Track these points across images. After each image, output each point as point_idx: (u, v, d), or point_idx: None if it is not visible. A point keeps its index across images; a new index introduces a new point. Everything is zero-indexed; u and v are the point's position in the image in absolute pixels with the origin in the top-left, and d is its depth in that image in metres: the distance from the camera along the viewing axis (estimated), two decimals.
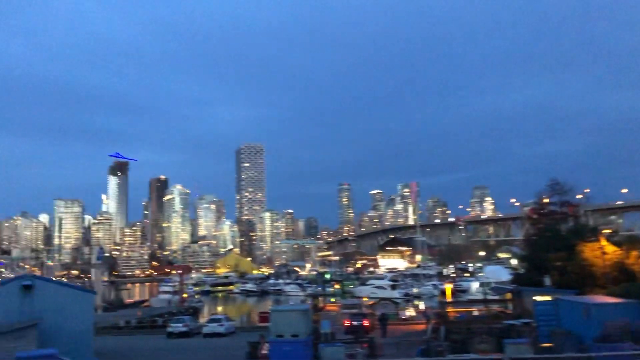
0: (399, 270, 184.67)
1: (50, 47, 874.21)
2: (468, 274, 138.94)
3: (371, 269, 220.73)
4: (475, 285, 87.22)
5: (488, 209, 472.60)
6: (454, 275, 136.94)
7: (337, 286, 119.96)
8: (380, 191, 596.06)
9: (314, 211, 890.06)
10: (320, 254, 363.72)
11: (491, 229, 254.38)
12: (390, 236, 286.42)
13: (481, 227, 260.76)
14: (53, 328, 30.82)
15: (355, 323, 46.11)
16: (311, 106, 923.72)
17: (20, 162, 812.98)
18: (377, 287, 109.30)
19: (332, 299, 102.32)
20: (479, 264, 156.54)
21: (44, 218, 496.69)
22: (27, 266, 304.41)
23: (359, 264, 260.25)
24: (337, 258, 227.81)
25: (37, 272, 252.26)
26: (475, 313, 46.99)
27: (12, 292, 32.43)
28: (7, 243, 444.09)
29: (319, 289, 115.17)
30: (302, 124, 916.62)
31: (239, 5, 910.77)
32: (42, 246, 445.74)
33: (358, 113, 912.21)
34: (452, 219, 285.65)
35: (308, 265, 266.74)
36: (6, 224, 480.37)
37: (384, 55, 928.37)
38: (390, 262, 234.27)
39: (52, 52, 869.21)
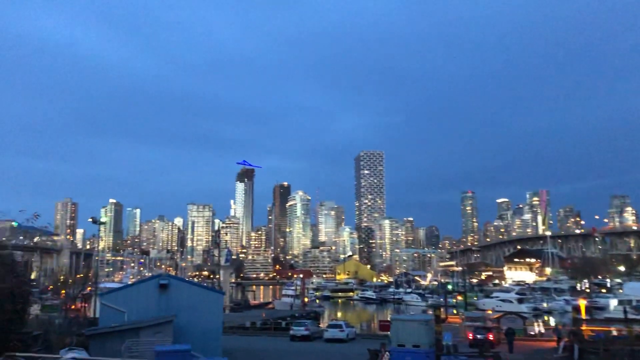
0: (526, 283, 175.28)
1: (184, 64, 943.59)
2: (605, 290, 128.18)
3: (496, 281, 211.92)
4: (614, 303, 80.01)
5: (628, 220, 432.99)
6: (589, 290, 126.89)
7: (459, 297, 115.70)
8: (507, 200, 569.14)
9: (436, 220, 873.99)
10: (442, 263, 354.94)
11: (632, 242, 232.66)
12: (518, 247, 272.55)
13: (621, 240, 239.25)
14: (186, 325, 32.71)
15: (479, 336, 44.27)
16: (433, 112, 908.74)
17: (158, 170, 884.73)
18: (503, 300, 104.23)
19: (455, 311, 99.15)
20: (618, 280, 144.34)
21: (178, 221, 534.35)
22: (163, 266, 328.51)
23: (483, 276, 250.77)
24: (459, 268, 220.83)
25: (172, 272, 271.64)
26: (615, 333, 43.17)
27: (150, 290, 34.92)
28: (146, 244, 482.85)
29: (441, 299, 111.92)
30: (423, 130, 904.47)
31: (359, 12, 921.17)
32: (176, 247, 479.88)
33: (483, 118, 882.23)
34: (586, 230, 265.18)
35: (429, 275, 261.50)
36: (145, 227, 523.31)
37: (510, 58, 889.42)
38: (518, 274, 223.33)
39: (185, 68, 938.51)
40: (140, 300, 34.25)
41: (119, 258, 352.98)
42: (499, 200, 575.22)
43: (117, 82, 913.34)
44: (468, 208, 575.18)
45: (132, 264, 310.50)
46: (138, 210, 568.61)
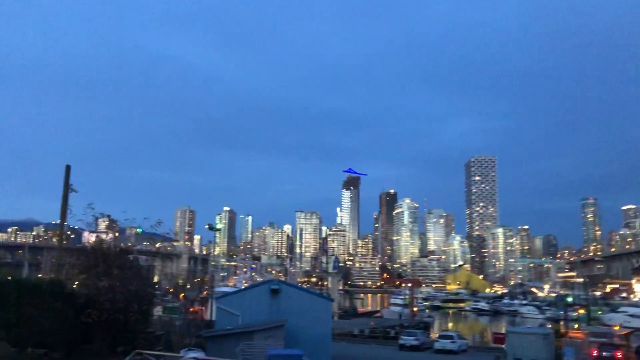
0: None
1: (292, 74, 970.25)
2: None
3: (624, 295, 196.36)
4: None
5: None
6: None
7: (581, 311, 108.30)
8: (635, 206, 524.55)
9: (553, 228, 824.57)
10: (560, 274, 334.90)
11: None
12: None
13: None
14: (296, 330, 33.25)
15: (605, 354, 40.98)
16: (548, 114, 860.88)
17: (269, 179, 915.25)
18: (633, 316, 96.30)
19: (576, 325, 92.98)
20: None
21: (287, 228, 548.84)
22: (273, 271, 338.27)
23: (607, 288, 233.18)
24: (580, 280, 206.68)
25: (282, 277, 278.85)
26: None
27: (262, 295, 35.97)
28: (257, 250, 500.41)
29: (560, 312, 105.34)
30: (538, 134, 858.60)
31: (467, 15, 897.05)
32: (285, 253, 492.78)
33: (603, 120, 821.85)
34: None
35: (546, 286, 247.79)
36: (257, 233, 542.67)
37: (632, 56, 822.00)
38: None
39: (293, 78, 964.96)
40: (252, 304, 35.35)
41: (232, 263, 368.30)
42: (625, 207, 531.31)
43: (231, 96, 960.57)
44: (589, 216, 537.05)
45: (245, 269, 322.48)
46: (250, 218, 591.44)
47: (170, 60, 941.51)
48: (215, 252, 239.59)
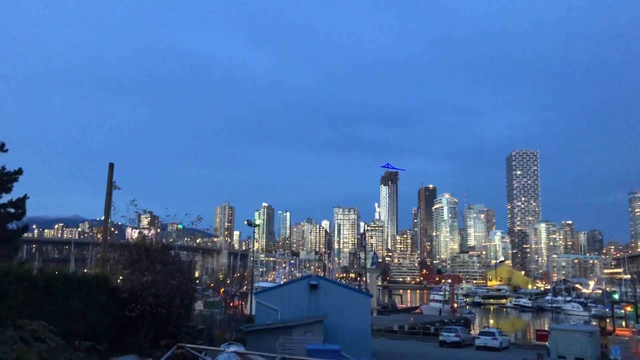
0: None
1: (331, 70, 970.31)
2: None
3: None
4: None
5: None
6: None
7: (628, 308, 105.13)
8: None
9: (598, 223, 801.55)
10: (606, 270, 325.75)
11: None
12: None
13: None
14: (335, 325, 33.34)
15: None
16: (591, 107, 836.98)
17: (306, 175, 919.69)
18: None
19: (623, 323, 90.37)
20: None
21: (325, 224, 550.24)
22: (311, 267, 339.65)
23: None
24: (628, 276, 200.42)
25: (321, 273, 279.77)
26: None
27: (301, 290, 36.17)
28: (295, 245, 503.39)
29: (606, 309, 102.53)
30: (581, 126, 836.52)
31: (507, 7, 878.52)
32: (323, 249, 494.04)
33: None
34: None
35: (591, 283, 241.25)
36: (295, 229, 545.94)
37: None
38: None
39: (332, 75, 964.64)
40: (291, 300, 35.60)
41: (271, 259, 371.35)
42: None
43: (270, 93, 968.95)
44: (638, 210, 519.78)
45: (284, 265, 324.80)
46: (288, 214, 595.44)
47: (210, 58, 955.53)
48: (254, 248, 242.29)
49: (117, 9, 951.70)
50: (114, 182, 29.26)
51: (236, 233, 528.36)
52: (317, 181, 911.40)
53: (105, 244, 30.37)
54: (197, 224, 36.27)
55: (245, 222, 67.34)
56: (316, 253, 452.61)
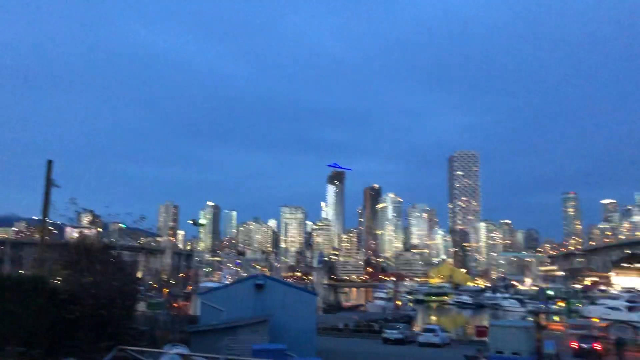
0: (637, 291, 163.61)
1: (279, 68, 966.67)
2: None
3: (603, 288, 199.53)
4: None
5: None
6: None
7: (561, 304, 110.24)
8: (614, 201, 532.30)
9: (535, 222, 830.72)
10: (542, 268, 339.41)
11: None
12: (627, 251, 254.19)
13: None
14: (281, 324, 33.36)
15: (584, 346, 41.76)
16: (530, 110, 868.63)
17: (253, 173, 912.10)
18: (611, 308, 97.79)
19: (557, 318, 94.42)
20: None
21: (272, 223, 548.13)
22: (258, 266, 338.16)
23: (587, 281, 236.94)
24: (561, 273, 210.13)
25: (267, 272, 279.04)
26: None
27: (247, 290, 36.01)
28: (242, 245, 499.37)
29: (541, 305, 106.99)
30: (521, 129, 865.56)
31: (451, 10, 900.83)
32: (270, 248, 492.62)
33: (585, 115, 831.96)
34: None
35: (528, 280, 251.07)
36: (241, 228, 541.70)
37: (614, 51, 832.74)
38: (627, 280, 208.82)
39: (280, 72, 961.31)
40: (237, 300, 35.38)
41: (216, 258, 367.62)
42: (604, 202, 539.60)
43: (217, 90, 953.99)
44: (570, 210, 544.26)
45: (229, 265, 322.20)
46: (234, 213, 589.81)
47: (155, 53, 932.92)
48: (200, 248, 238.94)
49: (56, 1, 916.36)
50: (52, 179, 28.27)
51: (181, 232, 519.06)
52: (264, 180, 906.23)
53: (43, 243, 29.31)
54: (140, 224, 35.58)
55: (190, 222, 66.50)
56: (263, 252, 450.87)
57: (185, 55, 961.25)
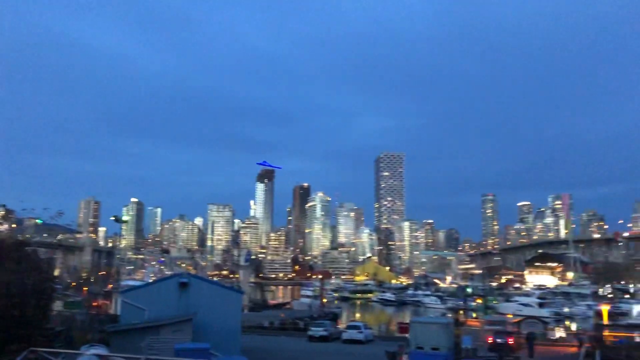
0: (548, 288, 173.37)
1: (208, 63, 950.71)
2: (628, 296, 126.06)
3: (517, 285, 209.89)
4: (637, 309, 78.61)
5: None
6: (612, 296, 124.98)
7: (479, 301, 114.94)
8: (529, 203, 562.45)
9: (456, 222, 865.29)
10: (461, 266, 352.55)
11: None
12: (539, 251, 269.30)
13: None
14: (205, 323, 32.96)
15: (499, 340, 43.83)
16: (454, 114, 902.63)
17: (180, 170, 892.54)
18: (524, 304, 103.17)
19: (474, 314, 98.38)
20: None
21: (198, 221, 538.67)
22: (183, 265, 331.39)
23: (503, 279, 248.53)
24: (479, 272, 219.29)
25: (192, 271, 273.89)
26: (638, 339, 42.47)
27: (170, 288, 35.30)
28: (166, 243, 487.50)
29: (460, 302, 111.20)
30: (444, 132, 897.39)
31: (383, 14, 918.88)
32: (196, 247, 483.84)
33: (504, 121, 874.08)
34: (610, 235, 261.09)
35: (448, 278, 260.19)
36: (166, 226, 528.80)
37: (535, 61, 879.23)
38: (539, 278, 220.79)
39: (209, 68, 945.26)
40: (160, 299, 34.65)
41: (140, 256, 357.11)
42: (520, 204, 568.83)
43: (142, 82, 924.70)
44: (489, 211, 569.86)
45: (153, 263, 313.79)
46: (159, 210, 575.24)
47: (79, 43, 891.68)
48: (122, 245, 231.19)
49: None
50: None
51: (102, 229, 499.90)
52: (191, 177, 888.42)
53: None
54: (57, 219, 34.08)
55: (112, 218, 64.19)
56: (188, 250, 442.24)
57: (112, 46, 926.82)
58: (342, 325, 72.41)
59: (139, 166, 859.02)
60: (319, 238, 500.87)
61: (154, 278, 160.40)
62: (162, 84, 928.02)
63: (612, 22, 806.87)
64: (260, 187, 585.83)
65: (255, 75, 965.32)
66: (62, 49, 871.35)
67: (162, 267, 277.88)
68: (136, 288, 40.08)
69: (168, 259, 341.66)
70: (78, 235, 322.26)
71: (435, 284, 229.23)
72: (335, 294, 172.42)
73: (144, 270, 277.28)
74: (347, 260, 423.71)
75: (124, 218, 67.91)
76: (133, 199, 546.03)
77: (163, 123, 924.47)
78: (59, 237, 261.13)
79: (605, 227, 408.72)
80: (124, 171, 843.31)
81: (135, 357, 22.65)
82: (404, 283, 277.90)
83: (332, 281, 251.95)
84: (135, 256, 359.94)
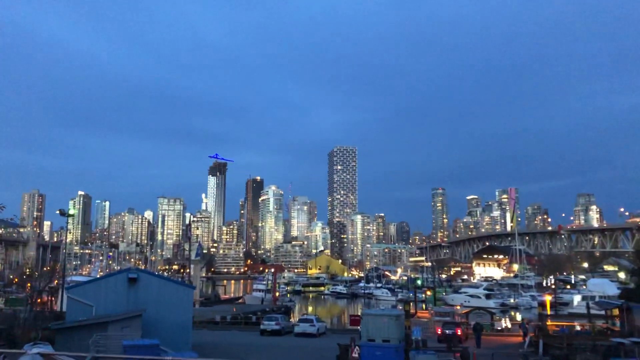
0: (494, 279, 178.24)
1: (155, 53, 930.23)
2: (570, 286, 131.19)
3: (465, 277, 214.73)
4: (577, 299, 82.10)
5: (593, 218, 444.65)
6: (554, 287, 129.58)
7: (429, 293, 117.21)
8: (477, 197, 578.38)
9: (406, 216, 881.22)
10: (412, 259, 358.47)
11: (596, 240, 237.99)
12: (487, 244, 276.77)
13: (585, 237, 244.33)
14: (155, 319, 32.42)
15: (447, 331, 44.92)
16: (407, 110, 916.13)
17: (129, 163, 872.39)
18: (471, 296, 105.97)
19: (424, 306, 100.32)
20: (582, 276, 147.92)
21: (148, 215, 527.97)
22: (132, 259, 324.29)
23: (452, 271, 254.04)
24: (429, 264, 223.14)
25: (141, 266, 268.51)
26: (578, 328, 44.40)
27: (119, 284, 34.50)
28: (115, 237, 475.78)
29: (410, 294, 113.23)
30: (397, 127, 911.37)
31: (336, 10, 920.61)
32: (146, 241, 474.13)
33: (455, 117, 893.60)
34: (553, 228, 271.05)
35: (399, 270, 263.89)
36: (114, 220, 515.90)
37: (484, 57, 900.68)
38: (486, 270, 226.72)
39: (157, 58, 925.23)
40: (108, 294, 33.85)
41: (87, 251, 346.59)
42: (468, 197, 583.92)
43: (91, 73, 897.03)
44: (438, 205, 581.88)
45: (101, 258, 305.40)
46: (107, 203, 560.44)
47: (23, 31, 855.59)
48: (68, 239, 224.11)
49: None
50: None
51: (47, 223, 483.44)
52: (140, 170, 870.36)
53: None
54: None
55: (58, 212, 61.99)
56: (137, 245, 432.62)
57: (59, 35, 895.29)
58: (294, 318, 72.62)
59: (86, 159, 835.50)
60: (272, 232, 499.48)
61: (101, 273, 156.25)
62: (111, 74, 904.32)
63: (562, 22, 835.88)
64: (212, 181, 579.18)
65: (208, 68, 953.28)
66: (5, 36, 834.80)
67: (110, 262, 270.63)
68: (83, 284, 38.96)
69: (116, 253, 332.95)
70: (21, 230, 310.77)
71: (386, 276, 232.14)
72: (288, 288, 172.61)
73: (91, 266, 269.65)
74: (300, 254, 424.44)
75: (70, 211, 65.66)
76: (80, 192, 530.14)
77: (112, 115, 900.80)
78: (1, 231, 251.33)
79: (549, 220, 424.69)
80: (71, 164, 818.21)
81: (81, 355, 22.04)
82: (356, 276, 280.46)
83: (285, 275, 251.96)
84: (82, 251, 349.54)
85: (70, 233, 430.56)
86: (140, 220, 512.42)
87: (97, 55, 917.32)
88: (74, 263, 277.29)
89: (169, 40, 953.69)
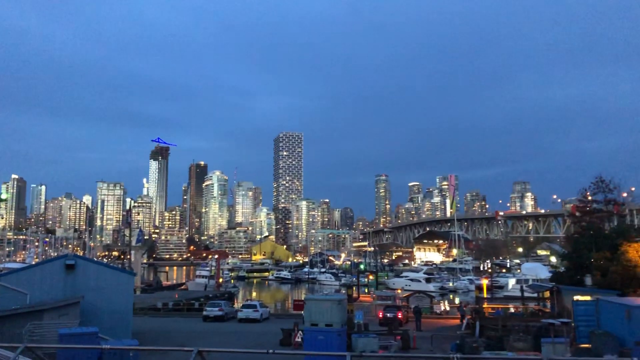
0: (434, 264, 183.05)
1: (99, 33, 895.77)
2: (505, 270, 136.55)
3: (406, 262, 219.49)
4: (512, 282, 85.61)
5: (528, 204, 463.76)
6: (491, 270, 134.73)
7: (371, 277, 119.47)
8: (418, 183, 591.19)
9: (350, 201, 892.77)
10: (355, 244, 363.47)
11: (530, 225, 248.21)
12: (427, 229, 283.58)
13: (520, 223, 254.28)
14: (94, 307, 31.66)
15: (389, 315, 45.97)
16: (352, 97, 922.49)
17: (67, 145, 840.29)
18: (412, 280, 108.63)
19: (367, 290, 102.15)
20: (516, 261, 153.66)
21: (87, 199, 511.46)
22: (70, 246, 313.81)
23: (394, 256, 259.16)
24: (372, 249, 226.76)
25: (80, 252, 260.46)
26: (512, 310, 46.35)
27: (55, 270, 33.43)
28: (51, 222, 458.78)
29: (353, 279, 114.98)
30: (341, 114, 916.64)
31: None
32: (84, 227, 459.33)
33: (399, 105, 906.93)
34: (490, 214, 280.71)
35: (343, 255, 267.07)
36: (51, 204, 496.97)
37: (426, 47, 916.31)
38: (426, 255, 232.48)
39: (100, 38, 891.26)
40: (44, 282, 32.79)
41: (21, 237, 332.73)
42: (410, 184, 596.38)
43: (26, 51, 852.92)
44: (382, 191, 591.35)
45: (36, 244, 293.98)
46: (43, 187, 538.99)
47: None
48: (0, 225, 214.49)
49: None
50: None
51: None
52: (79, 153, 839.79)
53: None
54: None
55: None
56: (75, 230, 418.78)
57: None
58: (238, 304, 72.46)
59: (21, 141, 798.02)
60: (215, 217, 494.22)
61: (37, 260, 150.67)
62: (51, 54, 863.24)
63: (499, 16, 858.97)
64: (153, 165, 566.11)
65: (151, 50, 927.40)
66: None
67: (46, 248, 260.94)
68: (17, 271, 37.49)
69: (53, 239, 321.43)
70: None
71: (330, 261, 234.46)
72: (232, 274, 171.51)
73: (25, 252, 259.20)
74: (244, 240, 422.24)
75: (3, 196, 62.71)
76: (14, 176, 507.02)
77: (48, 96, 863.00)
78: None
79: (487, 206, 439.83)
80: (4, 146, 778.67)
81: (13, 345, 21.27)
82: (301, 261, 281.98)
83: (229, 261, 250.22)
84: (15, 237, 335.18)
85: (2, 218, 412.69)
86: (78, 205, 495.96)
87: (35, 35, 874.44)
88: (7, 249, 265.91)
89: (112, 22, 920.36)
